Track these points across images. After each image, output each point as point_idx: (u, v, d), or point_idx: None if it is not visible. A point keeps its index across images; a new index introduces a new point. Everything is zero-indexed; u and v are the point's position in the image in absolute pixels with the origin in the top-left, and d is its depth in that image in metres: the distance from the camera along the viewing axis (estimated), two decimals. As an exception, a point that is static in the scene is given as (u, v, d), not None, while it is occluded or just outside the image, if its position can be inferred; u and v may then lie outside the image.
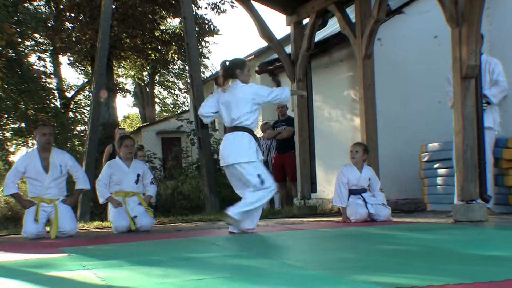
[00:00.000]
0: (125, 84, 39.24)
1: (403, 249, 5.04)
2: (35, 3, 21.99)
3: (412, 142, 10.04)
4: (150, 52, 24.11)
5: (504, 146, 8.36)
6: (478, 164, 7.33)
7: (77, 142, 24.90)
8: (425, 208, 9.74)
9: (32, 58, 23.38)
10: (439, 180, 9.42)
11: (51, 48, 23.21)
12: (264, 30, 10.77)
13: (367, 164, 8.46)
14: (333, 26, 11.70)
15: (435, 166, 9.49)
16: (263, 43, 14.93)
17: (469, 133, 7.23)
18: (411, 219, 8.13)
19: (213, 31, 25.72)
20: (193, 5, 19.37)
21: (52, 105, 23.85)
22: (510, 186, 8.37)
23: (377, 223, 7.82)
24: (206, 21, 24.86)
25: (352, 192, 8.22)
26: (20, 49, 20.77)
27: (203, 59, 31.42)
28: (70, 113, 27.61)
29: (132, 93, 43.07)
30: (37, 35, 21.33)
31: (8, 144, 26.03)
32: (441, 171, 9.36)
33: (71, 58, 25.04)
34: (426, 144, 9.73)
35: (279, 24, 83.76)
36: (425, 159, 9.71)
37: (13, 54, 20.03)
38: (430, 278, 3.36)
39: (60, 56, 25.68)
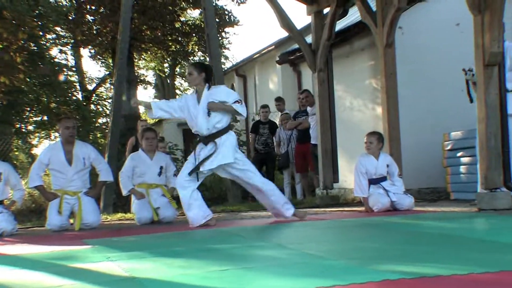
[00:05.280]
0: (146, 76, 39.38)
1: (427, 238, 5.02)
2: (55, -4, 22.08)
3: (434, 131, 9.97)
4: (170, 43, 24.12)
5: (529, 134, 8.26)
6: (501, 152, 7.26)
7: (99, 134, 25.04)
8: (449, 196, 9.67)
9: (54, 51, 23.55)
10: (462, 169, 9.34)
11: (72, 41, 23.31)
12: (284, 20, 10.74)
13: (389, 153, 8.41)
14: (353, 15, 11.63)
15: (458, 154, 9.42)
16: (284, 33, 14.87)
17: (493, 121, 7.16)
18: (434, 208, 8.08)
19: (233, 22, 25.66)
20: (213, -4, 19.32)
21: (74, 98, 24.01)
22: (534, 174, 8.29)
23: (400, 212, 7.79)
24: (226, 12, 24.83)
25: (372, 182, 8.18)
26: (42, 42, 20.88)
27: (224, 50, 31.31)
28: (92, 106, 27.78)
29: (153, 85, 43.18)
30: (58, 28, 21.40)
31: (31, 137, 26.28)
32: (464, 159, 9.29)
33: (92, 51, 25.14)
34: (449, 132, 9.66)
35: (299, 14, 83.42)
36: (448, 147, 9.64)
37: (35, 48, 20.12)
38: (455, 267, 3.34)
39: (81, 49, 25.81)
